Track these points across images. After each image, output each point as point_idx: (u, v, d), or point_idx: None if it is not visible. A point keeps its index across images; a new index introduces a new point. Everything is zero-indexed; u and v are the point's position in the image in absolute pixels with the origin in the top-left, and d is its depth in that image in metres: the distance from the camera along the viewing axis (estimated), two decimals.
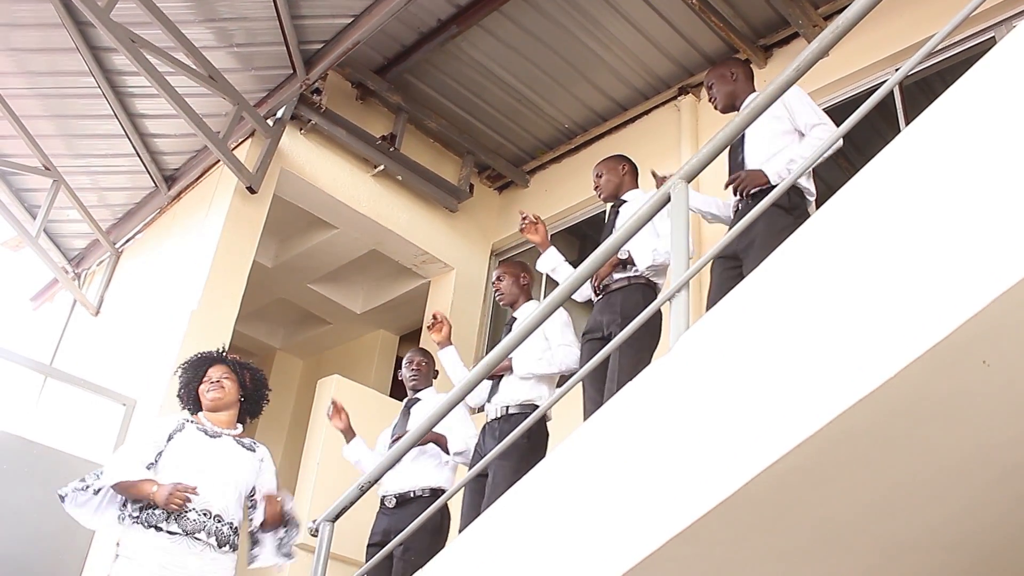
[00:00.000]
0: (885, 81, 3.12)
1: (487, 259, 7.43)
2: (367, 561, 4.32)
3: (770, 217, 3.43)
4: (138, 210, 7.09)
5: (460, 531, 3.93)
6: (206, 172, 6.47)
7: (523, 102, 6.89)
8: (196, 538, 3.38)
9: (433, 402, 4.48)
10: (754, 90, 4.15)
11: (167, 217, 6.80)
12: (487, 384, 4.34)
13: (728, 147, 3.07)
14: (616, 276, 4.16)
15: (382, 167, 6.80)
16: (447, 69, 6.70)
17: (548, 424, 4.25)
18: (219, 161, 6.07)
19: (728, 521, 2.15)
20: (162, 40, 5.49)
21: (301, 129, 6.50)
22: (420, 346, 5.13)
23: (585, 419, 3.93)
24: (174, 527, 3.35)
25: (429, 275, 7.30)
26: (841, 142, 2.98)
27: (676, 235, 2.79)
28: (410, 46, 6.48)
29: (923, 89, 5.52)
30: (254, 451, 3.72)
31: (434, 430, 4.13)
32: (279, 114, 6.29)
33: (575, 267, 3.55)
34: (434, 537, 4.16)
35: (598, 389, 3.93)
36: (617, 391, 2.60)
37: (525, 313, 4.42)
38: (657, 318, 3.82)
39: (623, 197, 4.48)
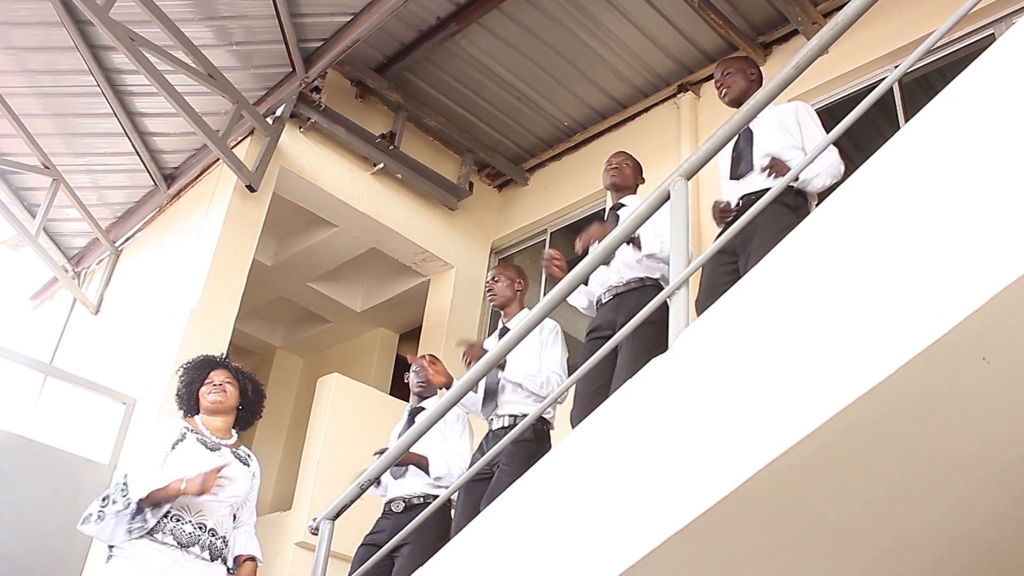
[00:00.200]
0: (885, 78, 3.13)
1: (487, 257, 7.44)
2: (355, 557, 4.29)
3: (774, 215, 3.43)
4: (138, 209, 7.09)
5: (452, 535, 3.91)
6: (205, 171, 6.47)
7: (523, 100, 6.89)
8: (189, 551, 3.37)
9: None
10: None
11: (167, 216, 6.80)
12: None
13: (727, 144, 3.06)
14: (627, 277, 4.14)
15: (382, 165, 6.80)
16: (446, 67, 6.70)
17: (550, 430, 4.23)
18: (218, 159, 6.07)
19: (728, 519, 2.15)
20: (161, 38, 5.48)
21: (301, 127, 6.50)
22: (431, 353, 5.07)
23: (573, 416, 3.93)
24: (169, 539, 3.34)
25: (429, 273, 7.30)
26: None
27: (676, 233, 2.79)
28: (409, 44, 6.48)
29: (923, 86, 5.51)
30: (248, 464, 3.71)
31: (426, 443, 4.11)
32: (278, 112, 6.30)
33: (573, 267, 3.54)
34: (437, 542, 4.12)
35: (592, 389, 3.89)
36: None
37: (517, 323, 4.34)
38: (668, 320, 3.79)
39: (622, 201, 4.46)
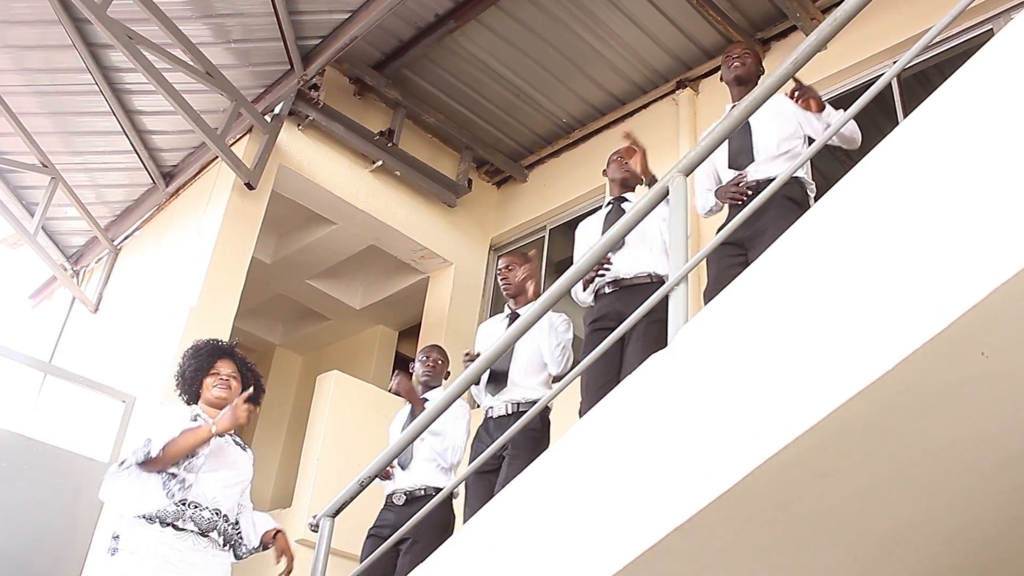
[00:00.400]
0: (883, 74, 3.12)
1: (486, 254, 7.44)
2: (362, 550, 4.31)
3: (781, 210, 3.43)
4: (136, 207, 7.09)
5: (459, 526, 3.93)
6: (204, 168, 6.47)
7: (521, 97, 6.88)
8: (207, 536, 3.38)
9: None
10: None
11: (165, 214, 6.79)
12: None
13: (725, 140, 3.06)
14: (635, 271, 4.14)
15: (380, 163, 6.80)
16: (445, 64, 6.70)
17: (550, 416, 4.24)
18: (217, 157, 6.07)
19: (728, 514, 2.15)
20: (159, 36, 5.48)
21: (299, 125, 6.50)
22: (437, 343, 5.06)
23: (582, 408, 3.93)
24: (190, 526, 3.35)
25: (428, 270, 7.30)
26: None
27: (675, 228, 2.79)
28: (408, 41, 6.48)
29: (921, 82, 5.51)
30: (246, 451, 3.72)
31: (432, 429, 4.13)
32: (277, 110, 6.29)
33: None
34: (441, 534, 4.13)
35: (600, 384, 3.88)
36: None
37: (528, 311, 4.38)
38: None
39: (625, 196, 4.48)
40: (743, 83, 4.08)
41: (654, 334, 3.43)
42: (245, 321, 7.40)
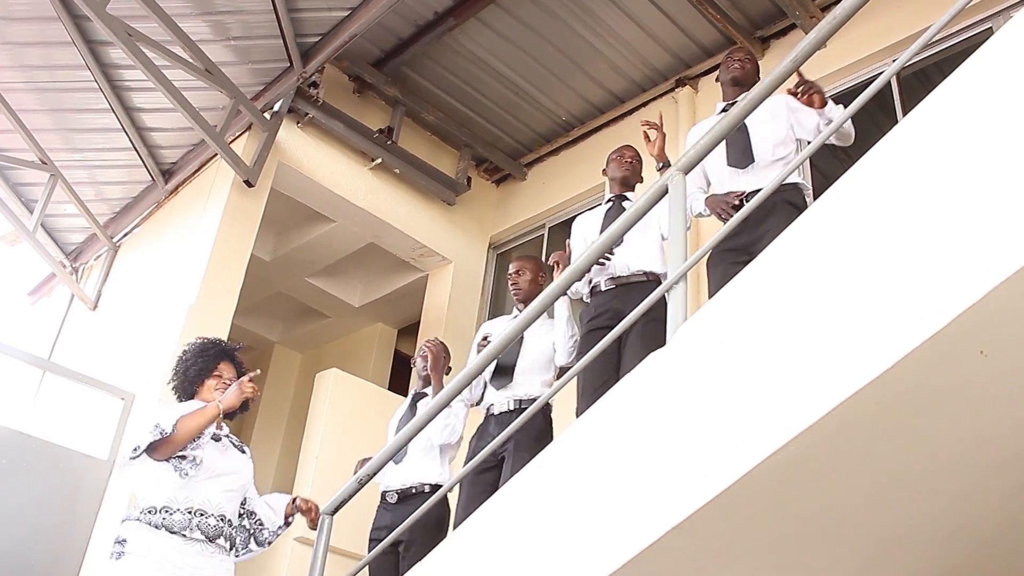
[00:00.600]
0: (883, 72, 3.12)
1: (485, 252, 7.44)
2: (369, 553, 4.32)
3: (783, 214, 3.44)
4: (135, 204, 7.08)
5: (455, 527, 3.92)
6: (203, 166, 6.46)
7: (520, 95, 6.88)
8: (214, 543, 3.39)
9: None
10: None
11: (164, 211, 6.79)
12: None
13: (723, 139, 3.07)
14: (632, 269, 4.15)
15: (379, 160, 6.79)
16: (444, 62, 6.69)
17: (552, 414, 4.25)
18: (216, 155, 6.07)
19: (727, 512, 2.15)
20: (158, 33, 5.47)
21: (298, 122, 6.50)
22: (438, 338, 5.06)
23: (580, 408, 3.93)
24: (197, 534, 3.35)
25: (427, 268, 7.30)
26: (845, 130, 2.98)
27: (674, 227, 2.79)
28: (407, 39, 6.47)
29: (921, 80, 5.51)
30: (244, 451, 3.73)
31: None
32: (276, 107, 6.29)
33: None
34: (437, 532, 4.14)
35: (596, 387, 3.87)
36: None
37: None
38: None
39: (626, 194, 4.50)
40: (739, 85, 4.12)
41: (652, 333, 3.44)
42: (244, 319, 7.40)
